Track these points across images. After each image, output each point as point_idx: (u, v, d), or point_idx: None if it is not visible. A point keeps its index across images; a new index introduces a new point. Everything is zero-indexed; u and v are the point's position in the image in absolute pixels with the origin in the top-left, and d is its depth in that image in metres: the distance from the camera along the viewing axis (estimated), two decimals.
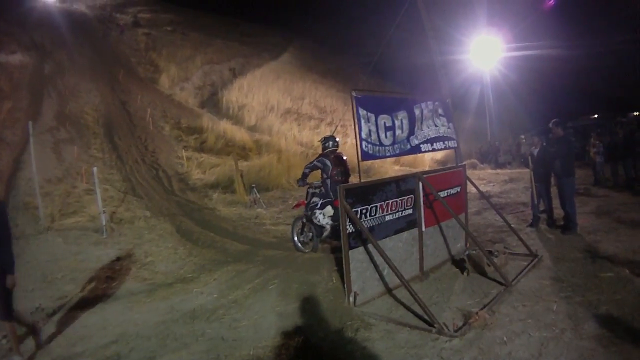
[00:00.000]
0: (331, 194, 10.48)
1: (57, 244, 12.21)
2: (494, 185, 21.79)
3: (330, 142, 10.86)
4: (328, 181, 10.51)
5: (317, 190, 10.93)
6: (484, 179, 23.51)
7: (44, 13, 40.24)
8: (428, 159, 31.86)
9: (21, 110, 22.94)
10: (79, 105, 26.41)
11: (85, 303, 9.11)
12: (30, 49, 32.04)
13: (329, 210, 10.61)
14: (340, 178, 10.45)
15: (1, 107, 22.55)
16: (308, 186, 11.18)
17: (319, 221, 10.74)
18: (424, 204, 9.50)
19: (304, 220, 11.34)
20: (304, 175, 10.94)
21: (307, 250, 11.17)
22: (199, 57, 42.48)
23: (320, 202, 10.74)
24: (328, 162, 10.52)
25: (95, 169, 14.27)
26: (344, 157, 10.87)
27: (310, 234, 11.19)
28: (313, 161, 10.88)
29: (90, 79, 31.51)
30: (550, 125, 12.22)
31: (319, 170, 10.74)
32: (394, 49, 36.08)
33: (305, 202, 11.34)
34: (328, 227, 10.68)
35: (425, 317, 6.92)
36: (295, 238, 11.58)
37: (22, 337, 7.45)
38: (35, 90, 26.29)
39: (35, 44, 33.43)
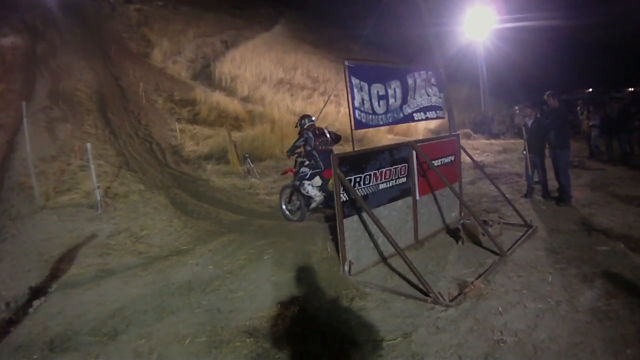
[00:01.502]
0: (321, 163, 10.81)
1: (52, 222, 12.16)
2: (487, 155, 22.00)
3: (306, 120, 11.48)
4: (314, 152, 10.93)
5: (306, 160, 11.15)
6: (478, 149, 23.64)
7: None
8: (422, 128, 31.90)
9: (14, 91, 22.94)
10: (71, 83, 26.28)
11: (82, 280, 9.08)
12: (22, 30, 31.91)
13: (317, 180, 10.92)
14: (324, 147, 10.94)
15: None
16: (297, 155, 11.47)
17: (307, 192, 11.02)
18: (418, 172, 9.64)
19: (292, 189, 11.62)
20: (295, 147, 11.33)
21: (294, 219, 11.40)
22: (191, 31, 42.29)
23: (309, 173, 10.98)
24: (310, 134, 11.00)
25: (89, 145, 14.06)
26: (325, 129, 11.35)
27: (298, 202, 11.47)
28: (299, 138, 11.26)
29: (82, 56, 31.37)
30: (545, 96, 12.21)
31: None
32: (387, 20, 36.07)
33: (294, 170, 11.56)
34: (316, 197, 10.95)
35: (421, 286, 7.02)
36: (284, 206, 11.87)
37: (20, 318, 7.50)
38: (28, 71, 26.21)
39: (27, 26, 33.27)
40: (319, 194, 10.92)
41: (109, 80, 29.41)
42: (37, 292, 8.61)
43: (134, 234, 11.68)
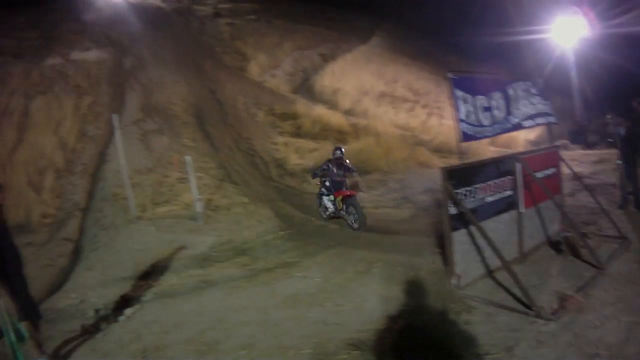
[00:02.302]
0: (332, 188, 14.82)
1: (150, 232, 12.37)
2: (584, 166, 21.55)
3: (338, 152, 15.03)
4: (329, 180, 14.98)
5: (326, 182, 15.06)
6: (575, 160, 23.17)
7: (114, 10, 41.23)
8: (522, 139, 31.35)
9: (103, 104, 23.72)
10: (165, 96, 26.97)
11: (181, 290, 9.15)
12: (107, 45, 32.90)
13: (331, 197, 14.79)
14: (339, 178, 14.89)
15: (81, 102, 23.34)
16: (320, 177, 15.35)
17: (324, 204, 15.09)
18: (522, 185, 9.73)
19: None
20: (315, 175, 15.59)
21: (324, 217, 15.01)
22: (287, 44, 42.30)
23: (326, 192, 15.02)
24: (331, 166, 14.99)
25: (189, 157, 14.33)
26: (345, 162, 14.97)
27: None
28: (322, 165, 15.43)
29: (175, 70, 32.14)
30: (634, 103, 12.23)
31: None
32: (481, 28, 35.82)
33: (320, 185, 15.50)
34: (329, 209, 14.87)
35: (524, 300, 7.37)
36: (319, 208, 15.46)
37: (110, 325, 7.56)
38: (117, 85, 27.13)
39: (111, 40, 34.31)
40: (332, 206, 14.77)
41: (205, 94, 30.07)
42: (131, 300, 8.70)
43: (237, 245, 11.67)
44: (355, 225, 13.62)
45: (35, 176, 17.50)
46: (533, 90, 11.15)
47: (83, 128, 20.71)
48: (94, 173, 17.04)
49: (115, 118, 14.37)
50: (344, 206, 14.25)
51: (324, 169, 15.11)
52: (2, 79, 24.83)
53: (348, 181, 15.43)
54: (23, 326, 6.42)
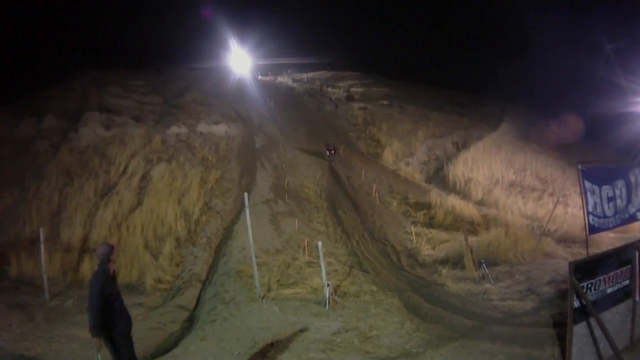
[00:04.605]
0: (328, 150, 34.23)
1: (273, 312, 12.62)
2: None
3: (329, 145, 34.79)
4: (326, 147, 34.56)
5: (328, 146, 34.53)
6: None
7: (244, 86, 44.16)
8: (637, 223, 29.78)
9: (232, 180, 25.06)
10: (297, 178, 28.25)
11: None
12: (236, 120, 35.12)
13: (327, 152, 34.21)
14: (330, 148, 34.31)
15: (208, 176, 24.82)
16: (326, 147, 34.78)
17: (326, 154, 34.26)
18: (638, 273, 9.58)
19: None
20: (326, 145, 35.08)
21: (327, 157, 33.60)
22: (421, 131, 43.55)
23: (327, 150, 34.07)
24: (328, 146, 34.24)
25: (320, 243, 14.65)
26: (332, 145, 34.73)
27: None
28: (327, 145, 34.66)
29: (307, 152, 33.96)
30: None
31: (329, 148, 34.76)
32: (599, 101, 35.23)
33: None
34: (327, 154, 34.20)
35: None
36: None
37: None
38: (247, 162, 28.65)
39: (240, 116, 36.53)
40: (328, 155, 33.78)
41: (339, 178, 31.13)
42: None
43: (362, 333, 11.68)
44: (330, 159, 32.22)
45: (153, 241, 18.53)
46: None
47: (209, 202, 21.85)
48: (217, 247, 17.72)
49: (245, 196, 14.86)
50: (330, 155, 32.33)
51: (327, 144, 33.24)
52: (121, 139, 27.00)
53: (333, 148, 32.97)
54: None
